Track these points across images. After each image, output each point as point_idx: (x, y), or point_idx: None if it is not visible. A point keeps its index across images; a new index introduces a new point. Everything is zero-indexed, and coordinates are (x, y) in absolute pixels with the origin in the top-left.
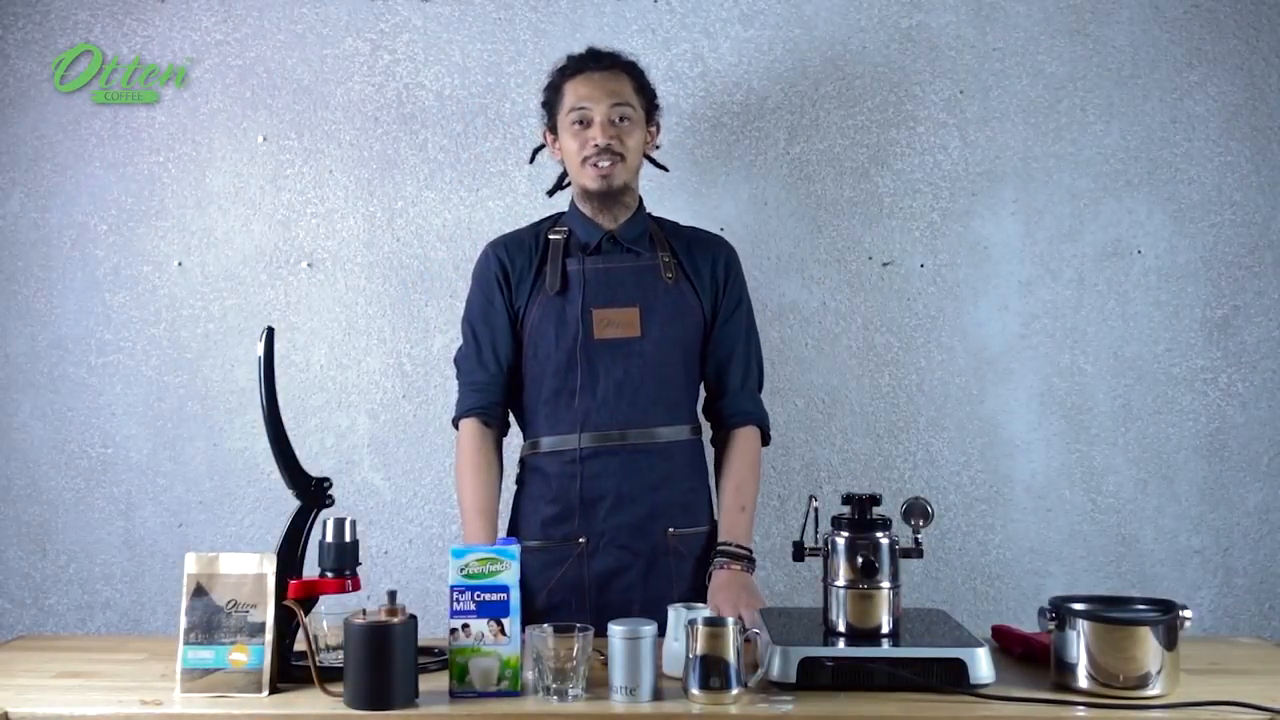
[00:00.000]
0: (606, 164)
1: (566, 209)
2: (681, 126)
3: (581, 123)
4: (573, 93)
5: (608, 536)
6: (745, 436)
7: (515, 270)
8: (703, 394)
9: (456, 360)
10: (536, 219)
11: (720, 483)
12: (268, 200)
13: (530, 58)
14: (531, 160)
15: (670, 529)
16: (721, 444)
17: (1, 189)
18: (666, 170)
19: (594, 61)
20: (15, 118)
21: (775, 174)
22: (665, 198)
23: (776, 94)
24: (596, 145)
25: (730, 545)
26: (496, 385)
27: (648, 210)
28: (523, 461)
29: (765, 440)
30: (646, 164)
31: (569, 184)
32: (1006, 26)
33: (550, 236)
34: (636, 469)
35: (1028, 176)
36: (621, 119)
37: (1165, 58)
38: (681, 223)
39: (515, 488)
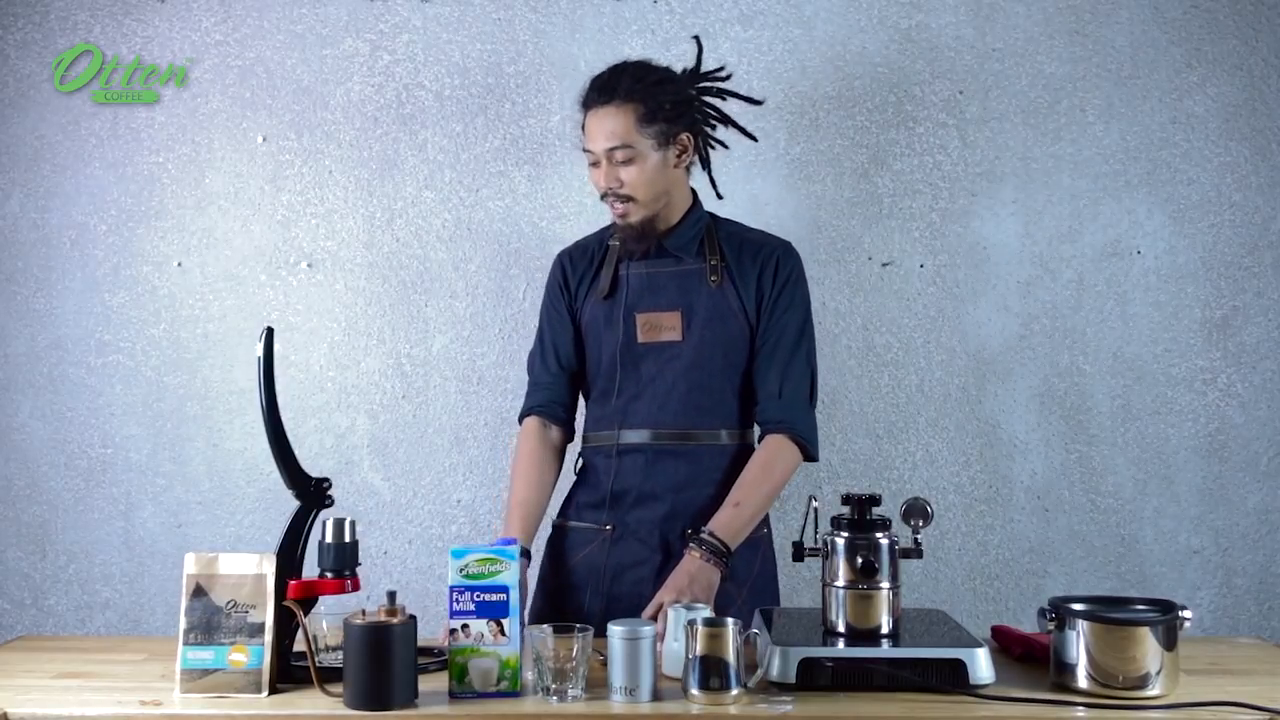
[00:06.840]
0: (620, 206)
1: None
2: None
3: (592, 161)
4: (585, 128)
5: (630, 528)
6: (771, 442)
7: (575, 275)
8: None
9: (528, 360)
10: (537, 220)
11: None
12: (267, 200)
13: (530, 58)
14: None
15: (687, 529)
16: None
17: (1, 189)
18: (755, 139)
19: (597, 95)
20: (15, 118)
21: (775, 174)
22: None
23: (776, 94)
24: (601, 188)
25: (705, 534)
26: (558, 385)
27: (707, 211)
28: (580, 452)
29: (806, 455)
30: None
31: None
32: (1006, 27)
33: (611, 243)
34: (663, 469)
35: (1027, 177)
36: (621, 160)
37: (1165, 58)
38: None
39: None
